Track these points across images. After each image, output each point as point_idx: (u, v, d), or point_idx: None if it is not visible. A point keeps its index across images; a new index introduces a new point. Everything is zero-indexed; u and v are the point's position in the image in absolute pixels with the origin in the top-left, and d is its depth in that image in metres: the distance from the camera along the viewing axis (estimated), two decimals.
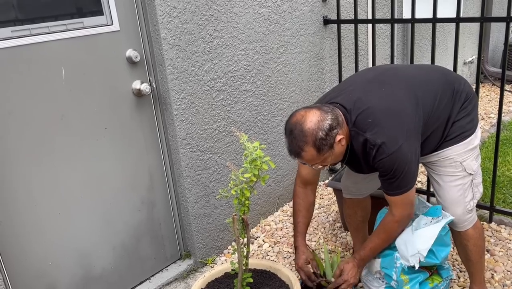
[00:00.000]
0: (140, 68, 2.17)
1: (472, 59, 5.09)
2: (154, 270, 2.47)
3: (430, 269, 1.89)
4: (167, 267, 2.52)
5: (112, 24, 2.03)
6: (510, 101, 4.64)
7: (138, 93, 2.18)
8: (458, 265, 2.38)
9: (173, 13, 2.13)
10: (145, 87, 2.15)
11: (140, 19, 2.12)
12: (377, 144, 1.65)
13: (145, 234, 2.37)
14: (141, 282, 2.41)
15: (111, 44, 2.04)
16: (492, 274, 2.29)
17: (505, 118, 4.06)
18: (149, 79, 2.21)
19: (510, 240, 2.53)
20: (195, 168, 2.41)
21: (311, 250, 2.04)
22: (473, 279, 2.04)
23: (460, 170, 1.84)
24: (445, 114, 1.81)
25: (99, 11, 1.99)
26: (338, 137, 1.66)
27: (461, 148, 1.83)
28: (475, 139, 1.86)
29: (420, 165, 1.92)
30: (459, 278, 2.29)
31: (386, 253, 1.85)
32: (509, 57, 4.92)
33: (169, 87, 2.19)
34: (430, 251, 1.78)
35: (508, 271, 2.31)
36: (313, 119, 1.64)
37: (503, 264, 2.36)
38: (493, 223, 2.66)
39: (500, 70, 2.74)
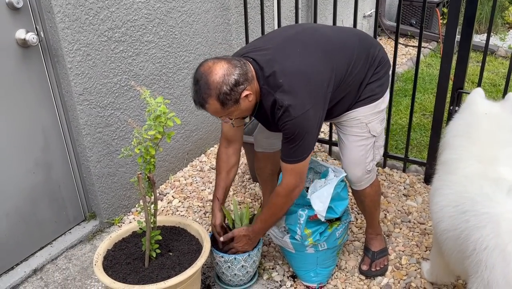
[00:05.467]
0: (24, 16, 1.93)
1: (371, 13, 5.30)
2: (56, 234, 2.33)
3: (331, 221, 2.01)
4: (70, 230, 2.40)
5: None
6: (403, 54, 4.96)
7: (24, 44, 1.95)
8: (356, 208, 2.57)
9: None
10: (31, 37, 1.93)
11: None
12: (284, 106, 1.66)
13: (43, 197, 2.21)
14: (42, 248, 2.27)
15: None
16: (385, 214, 2.51)
17: (398, 70, 4.34)
18: (36, 28, 1.98)
19: (400, 183, 2.78)
20: (95, 125, 2.26)
21: (224, 212, 2.06)
22: (368, 223, 2.22)
23: (365, 131, 1.92)
24: (359, 79, 1.85)
25: None
26: (245, 93, 1.65)
27: (368, 110, 1.90)
28: (382, 103, 1.94)
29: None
30: (356, 220, 2.49)
31: (290, 210, 1.92)
32: (403, 11, 5.21)
33: (60, 38, 1.99)
34: (329, 208, 1.89)
35: (398, 210, 2.55)
36: (219, 72, 1.60)
37: (394, 204, 2.59)
38: (387, 168, 2.89)
39: (395, 24, 2.88)
